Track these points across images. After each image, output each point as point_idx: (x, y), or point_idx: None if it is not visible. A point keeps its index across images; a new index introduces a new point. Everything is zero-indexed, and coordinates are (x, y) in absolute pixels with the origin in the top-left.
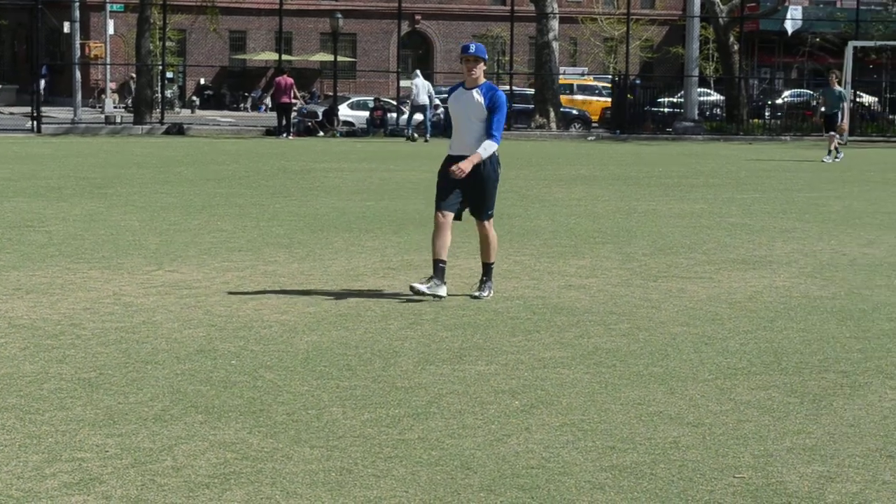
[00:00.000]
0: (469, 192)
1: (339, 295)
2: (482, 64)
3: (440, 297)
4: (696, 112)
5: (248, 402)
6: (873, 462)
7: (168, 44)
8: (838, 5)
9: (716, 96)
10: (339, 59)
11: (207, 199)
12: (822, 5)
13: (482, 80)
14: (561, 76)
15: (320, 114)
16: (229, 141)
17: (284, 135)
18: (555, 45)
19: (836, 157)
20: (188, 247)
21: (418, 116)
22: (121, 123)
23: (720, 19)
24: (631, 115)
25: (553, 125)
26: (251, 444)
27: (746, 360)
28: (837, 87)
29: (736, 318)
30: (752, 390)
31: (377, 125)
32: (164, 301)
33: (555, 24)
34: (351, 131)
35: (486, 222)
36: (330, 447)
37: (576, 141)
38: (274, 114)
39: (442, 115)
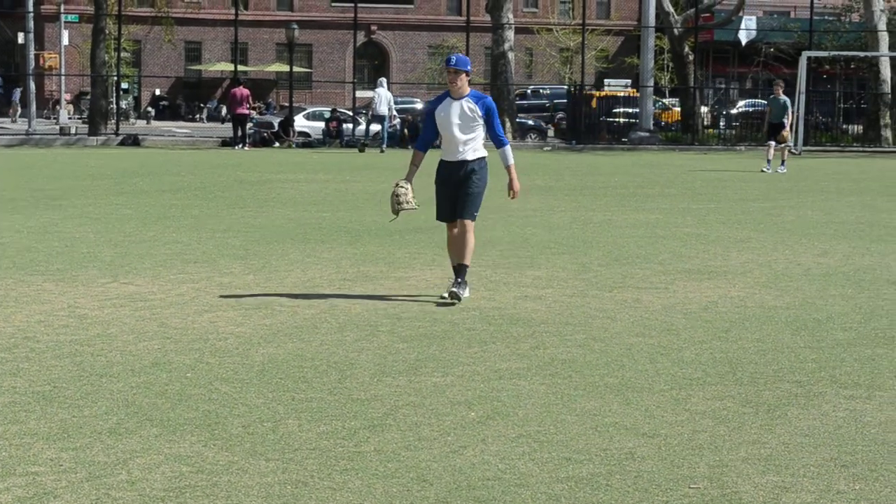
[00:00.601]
0: (457, 194)
1: (295, 307)
2: (464, 75)
3: (465, 297)
4: (652, 122)
5: (204, 415)
6: (827, 472)
7: (123, 54)
8: (792, 15)
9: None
10: (295, 69)
11: (163, 210)
12: (776, 16)
13: (467, 89)
14: (606, 88)
15: (276, 124)
16: (185, 152)
17: (240, 146)
18: (510, 55)
19: (778, 169)
20: (143, 259)
21: (376, 127)
22: (76, 135)
23: (675, 29)
24: (586, 126)
25: (508, 136)
26: (206, 457)
27: (701, 370)
28: (782, 97)
29: (691, 329)
30: (707, 400)
31: (333, 136)
32: (118, 313)
33: (510, 34)
34: (307, 142)
35: (467, 221)
36: (285, 460)
37: (532, 151)
38: (230, 124)
39: (398, 127)
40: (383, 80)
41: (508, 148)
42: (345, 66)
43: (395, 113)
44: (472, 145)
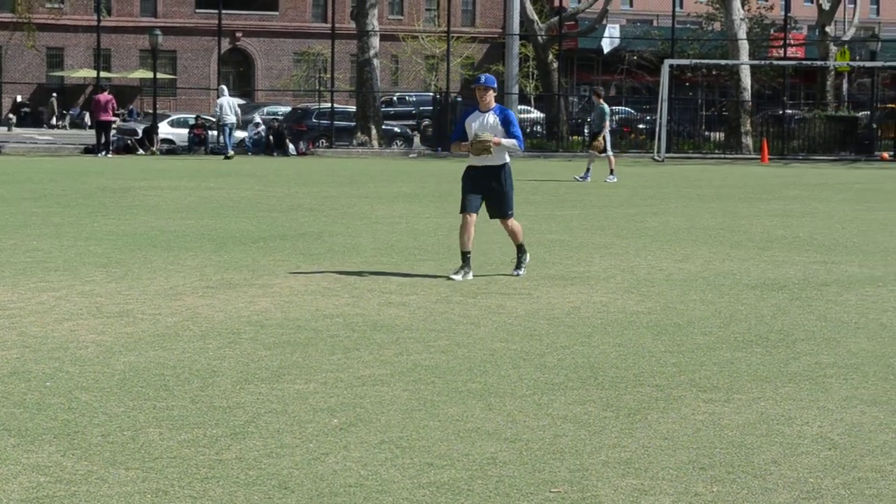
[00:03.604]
0: (491, 198)
1: (157, 314)
2: (492, 91)
3: (468, 279)
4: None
5: (63, 425)
6: (686, 474)
7: None
8: (655, 24)
9: (536, 114)
10: (159, 76)
11: (23, 218)
12: (639, 24)
13: (493, 104)
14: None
15: (140, 131)
16: (47, 159)
17: (103, 153)
18: (376, 62)
19: (606, 178)
20: (2, 267)
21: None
22: None
23: (539, 37)
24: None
25: (375, 143)
26: (65, 466)
27: (563, 375)
28: (601, 104)
29: (554, 334)
30: (569, 405)
31: (198, 143)
32: None
33: (375, 41)
34: (171, 149)
35: (508, 220)
36: (146, 468)
37: (397, 158)
38: (93, 131)
39: (263, 133)
40: (224, 87)
41: (514, 141)
42: (209, 73)
43: (258, 120)
44: (496, 151)
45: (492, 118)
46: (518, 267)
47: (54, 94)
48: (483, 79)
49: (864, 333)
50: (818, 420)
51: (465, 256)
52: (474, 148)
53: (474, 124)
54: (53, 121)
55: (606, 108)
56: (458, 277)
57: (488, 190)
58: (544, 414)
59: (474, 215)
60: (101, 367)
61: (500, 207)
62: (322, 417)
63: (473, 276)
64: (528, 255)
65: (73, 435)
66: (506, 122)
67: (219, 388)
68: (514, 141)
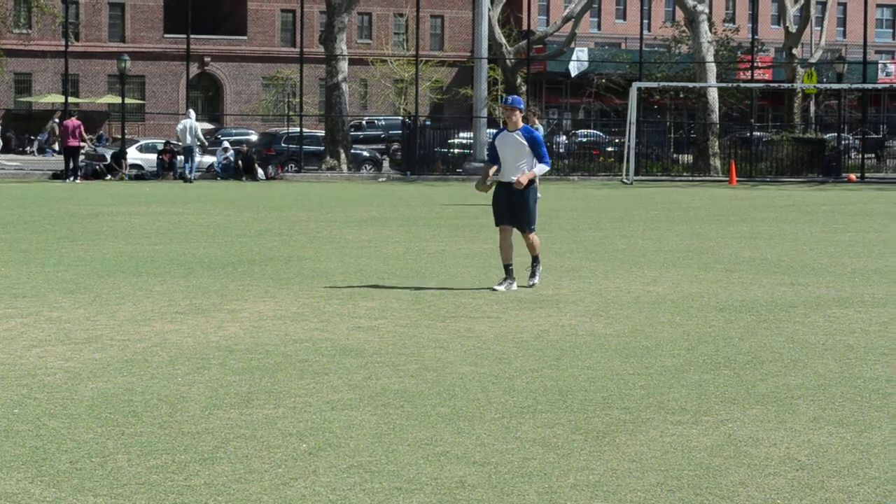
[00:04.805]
0: (515, 212)
1: (126, 340)
2: (518, 112)
3: (513, 289)
4: (486, 153)
5: (31, 451)
6: (654, 496)
7: None
8: (623, 47)
9: None
10: (128, 101)
11: None
12: (606, 47)
13: (520, 124)
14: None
15: (108, 157)
16: (14, 185)
17: (72, 178)
18: (344, 86)
19: None
20: None
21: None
22: None
23: (508, 61)
24: (421, 156)
25: (344, 167)
26: (33, 493)
27: (532, 398)
28: (538, 124)
29: (523, 357)
30: (538, 428)
31: (166, 168)
32: None
33: (344, 65)
34: (140, 174)
35: (530, 234)
36: (114, 495)
37: (367, 182)
38: (61, 157)
39: (232, 158)
40: (190, 111)
41: (543, 166)
42: (178, 98)
43: (226, 144)
44: (523, 169)
45: (518, 139)
46: (532, 276)
47: (55, 119)
48: (510, 100)
49: (832, 355)
50: (785, 441)
51: (507, 269)
52: (484, 187)
53: (501, 144)
54: (56, 146)
55: (542, 128)
56: (502, 288)
57: (514, 204)
58: (513, 437)
59: (508, 227)
60: (69, 393)
61: (523, 221)
62: (291, 442)
63: (517, 286)
64: (541, 265)
65: (41, 462)
66: (532, 143)
67: (187, 414)
68: (543, 168)
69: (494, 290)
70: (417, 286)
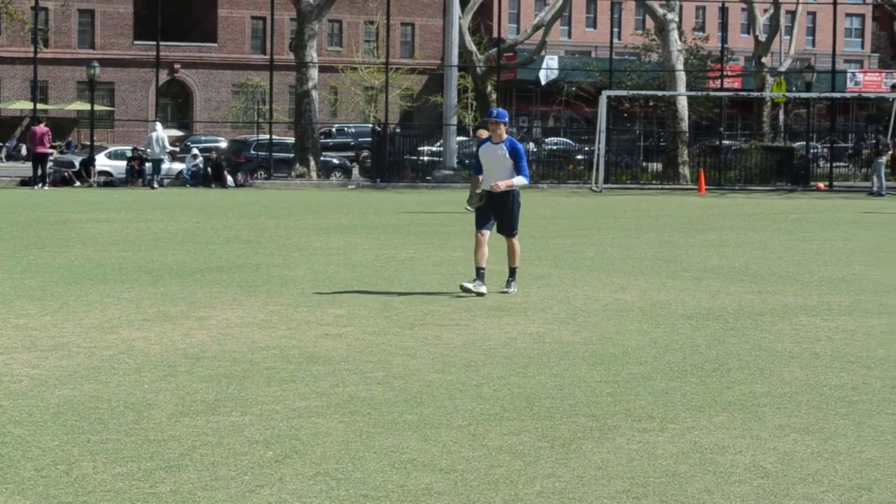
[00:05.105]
0: (499, 217)
1: (93, 348)
2: (503, 125)
3: (482, 293)
4: (455, 160)
5: None
6: (620, 503)
7: None
8: (593, 55)
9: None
10: (97, 107)
11: None
12: (577, 55)
13: (504, 136)
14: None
15: (77, 164)
16: None
17: (40, 185)
18: (314, 94)
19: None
20: None
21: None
22: None
23: (478, 68)
24: (391, 164)
25: (314, 174)
26: None
27: (499, 405)
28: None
29: (490, 365)
30: (504, 435)
31: (135, 175)
32: None
33: (314, 73)
34: (109, 181)
35: (513, 239)
36: (80, 502)
37: (336, 190)
38: (29, 163)
39: (201, 165)
40: (157, 122)
41: (522, 179)
42: (147, 105)
43: (196, 151)
44: (506, 178)
45: (501, 151)
46: (508, 285)
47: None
48: (496, 113)
49: (798, 362)
50: (751, 449)
51: (479, 272)
52: (477, 203)
53: (485, 154)
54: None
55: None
56: (470, 286)
57: (499, 211)
58: (479, 445)
59: (486, 233)
60: (35, 400)
61: (508, 227)
62: (257, 449)
63: (486, 290)
64: (516, 281)
65: (6, 469)
66: (514, 156)
67: (154, 421)
68: (522, 180)
69: (463, 286)
70: (386, 293)
